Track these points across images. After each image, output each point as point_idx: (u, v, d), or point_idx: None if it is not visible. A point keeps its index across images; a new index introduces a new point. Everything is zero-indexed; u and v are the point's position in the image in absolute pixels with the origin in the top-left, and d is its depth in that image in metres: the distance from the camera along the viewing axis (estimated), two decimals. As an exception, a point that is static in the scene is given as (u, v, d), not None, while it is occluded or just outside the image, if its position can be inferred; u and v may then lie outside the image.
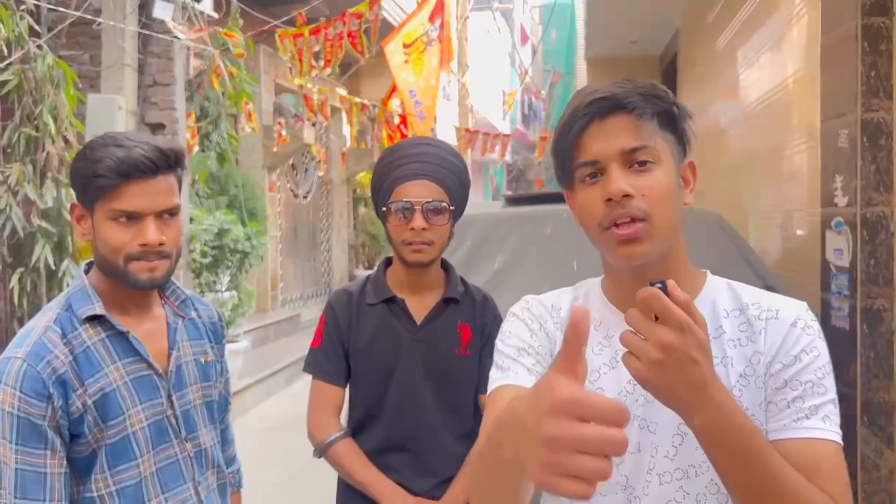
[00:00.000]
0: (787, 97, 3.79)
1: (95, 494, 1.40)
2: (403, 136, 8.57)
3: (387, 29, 8.19)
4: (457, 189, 1.85)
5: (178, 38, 6.05)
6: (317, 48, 6.62)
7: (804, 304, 1.13)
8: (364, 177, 13.44)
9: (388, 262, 1.96)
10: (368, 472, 1.83)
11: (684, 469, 1.09)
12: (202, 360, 1.59)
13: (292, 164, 11.26)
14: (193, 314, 1.61)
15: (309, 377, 1.93)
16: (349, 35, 6.53)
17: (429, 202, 1.78)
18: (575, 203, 1.15)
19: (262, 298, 9.43)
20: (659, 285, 0.92)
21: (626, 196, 1.05)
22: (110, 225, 1.39)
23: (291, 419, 6.44)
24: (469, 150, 11.10)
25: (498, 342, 1.21)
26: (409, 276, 1.86)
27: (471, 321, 1.89)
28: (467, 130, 11.42)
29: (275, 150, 9.50)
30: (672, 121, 1.11)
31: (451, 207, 1.83)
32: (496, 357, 1.20)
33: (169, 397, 1.49)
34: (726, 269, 2.84)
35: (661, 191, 1.07)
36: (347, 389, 1.94)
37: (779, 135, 3.91)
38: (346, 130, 11.90)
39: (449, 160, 1.86)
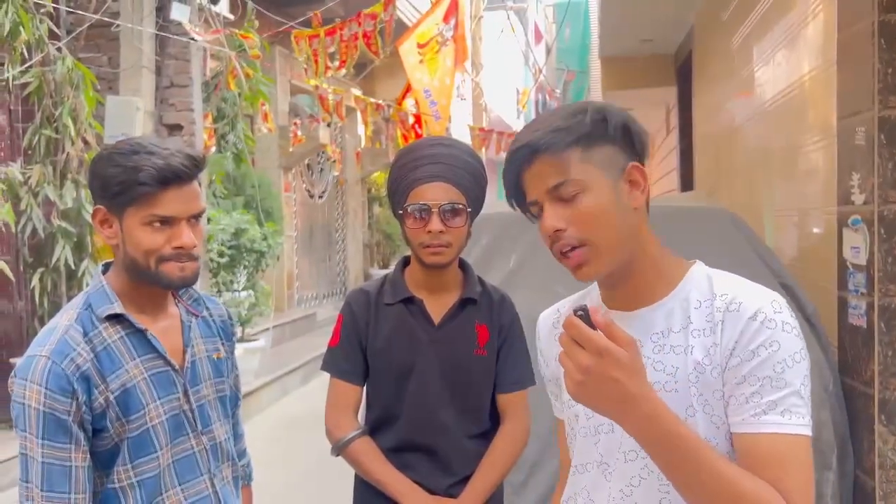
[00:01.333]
0: (802, 95, 3.77)
1: (117, 486, 1.45)
2: (418, 135, 8.60)
3: (401, 29, 8.22)
4: (473, 189, 1.84)
5: (195, 40, 6.11)
6: (332, 49, 6.66)
7: (771, 297, 1.14)
8: (379, 176, 13.48)
9: (405, 261, 1.95)
10: (386, 470, 1.84)
11: None
12: (214, 356, 1.63)
13: (308, 165, 11.32)
14: (205, 313, 1.66)
15: (325, 376, 1.94)
16: (364, 36, 6.56)
17: (445, 204, 1.77)
18: None
19: (279, 298, 9.49)
20: (581, 312, 1.00)
21: (558, 230, 1.15)
22: (144, 229, 1.43)
23: (308, 417, 6.47)
24: (483, 149, 11.11)
25: None
26: (427, 276, 1.86)
27: (488, 321, 1.89)
28: (481, 129, 11.44)
29: (290, 150, 9.55)
30: (598, 137, 1.16)
31: (469, 209, 1.82)
32: None
33: (185, 392, 1.53)
34: (741, 268, 2.84)
35: (592, 215, 1.15)
36: (365, 388, 1.95)
37: (795, 132, 3.89)
38: (361, 130, 11.93)
39: (465, 160, 1.85)
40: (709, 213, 3.37)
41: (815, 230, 3.55)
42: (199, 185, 1.52)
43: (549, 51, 22.36)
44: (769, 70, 4.46)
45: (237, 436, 1.77)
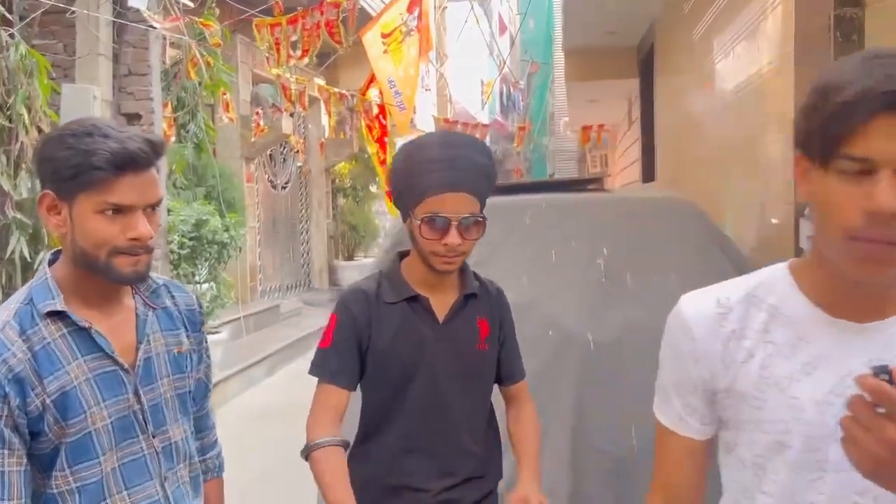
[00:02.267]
0: (762, 87, 3.83)
1: (56, 491, 1.37)
2: (382, 126, 8.54)
3: (365, 18, 8.15)
4: (487, 193, 1.78)
5: (154, 28, 5.99)
6: (294, 38, 6.59)
7: None
8: (343, 167, 13.40)
9: (401, 256, 1.86)
10: (336, 484, 1.65)
11: None
12: (175, 351, 1.53)
13: (270, 155, 11.21)
14: (168, 303, 1.56)
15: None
16: (327, 25, 6.50)
17: (465, 217, 1.68)
18: (813, 185, 0.98)
19: (242, 289, 9.40)
20: (885, 376, 0.82)
21: None
22: (97, 217, 1.34)
23: (273, 409, 6.43)
24: (448, 141, 11.09)
25: (662, 360, 1.20)
26: (431, 275, 1.78)
27: (488, 315, 1.85)
28: (446, 121, 11.41)
29: (252, 140, 9.45)
30: None
31: (486, 218, 1.74)
32: (660, 376, 1.20)
33: (136, 392, 1.44)
34: (701, 258, 2.89)
35: None
36: (358, 393, 1.84)
37: (754, 124, 3.96)
38: (325, 120, 11.85)
39: (482, 163, 1.76)
40: (670, 204, 3.41)
41: (774, 221, 3.62)
42: (158, 172, 1.43)
43: (513, 42, 22.41)
44: (729, 63, 4.52)
45: (206, 428, 1.70)
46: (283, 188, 11.76)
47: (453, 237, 1.67)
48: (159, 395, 1.49)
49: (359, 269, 11.84)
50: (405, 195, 1.75)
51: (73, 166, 1.32)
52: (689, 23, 5.58)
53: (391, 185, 1.82)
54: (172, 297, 1.58)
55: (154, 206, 1.40)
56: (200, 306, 1.66)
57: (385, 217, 13.71)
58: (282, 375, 7.61)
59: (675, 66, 6.43)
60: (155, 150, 1.38)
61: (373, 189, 13.50)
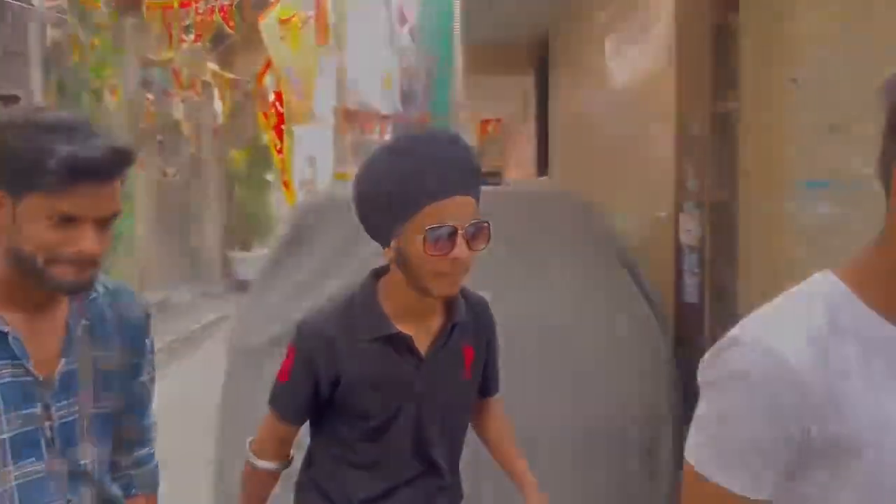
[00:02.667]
0: (647, 87, 4.02)
1: None
2: (279, 113, 8.41)
3: (262, 4, 7.99)
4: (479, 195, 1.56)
5: (32, 6, 5.67)
6: (187, 21, 6.40)
7: None
8: (237, 155, 13.08)
9: (376, 276, 1.62)
10: None
11: None
12: (103, 367, 1.40)
13: (161, 142, 10.82)
14: (108, 313, 1.42)
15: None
16: (221, 10, 6.34)
17: (472, 224, 1.46)
18: None
19: (130, 281, 9.03)
20: None
21: None
22: (41, 222, 1.22)
23: (164, 409, 6.21)
24: (348, 131, 11.03)
25: (733, 414, 0.93)
26: (420, 303, 1.55)
27: (474, 341, 1.67)
28: (346, 111, 11.34)
29: (142, 126, 9.10)
30: None
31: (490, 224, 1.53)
32: (709, 429, 0.94)
33: (46, 407, 1.32)
34: (588, 249, 3.01)
35: None
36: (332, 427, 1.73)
37: (640, 123, 4.14)
38: (219, 106, 11.54)
39: (473, 161, 1.55)
40: (559, 198, 3.54)
41: (658, 215, 3.81)
42: (122, 183, 1.29)
43: (412, 34, 22.42)
44: (618, 63, 4.71)
45: (144, 441, 1.59)
46: (175, 176, 11.38)
47: (461, 250, 1.44)
48: (74, 412, 1.37)
49: (257, 261, 11.61)
50: (391, 211, 1.48)
51: (26, 162, 1.20)
52: (582, 22, 5.76)
53: (365, 208, 1.54)
54: (117, 306, 1.44)
55: (109, 220, 1.28)
56: (149, 316, 1.52)
57: (282, 206, 13.50)
58: (174, 371, 7.35)
59: (568, 64, 6.62)
60: (122, 159, 1.25)
61: (269, 178, 13.25)
